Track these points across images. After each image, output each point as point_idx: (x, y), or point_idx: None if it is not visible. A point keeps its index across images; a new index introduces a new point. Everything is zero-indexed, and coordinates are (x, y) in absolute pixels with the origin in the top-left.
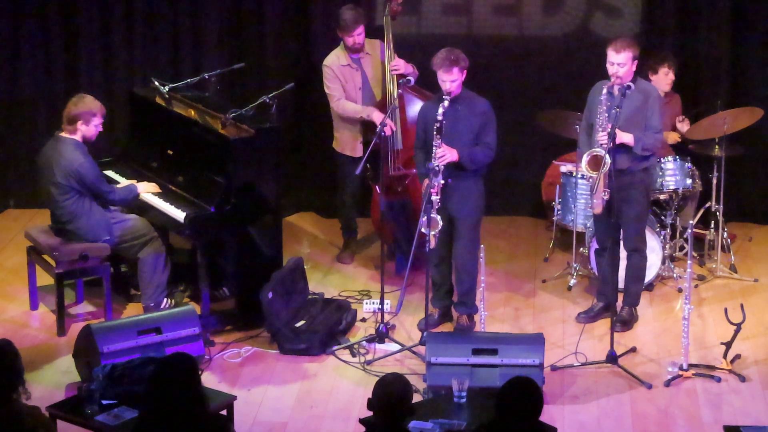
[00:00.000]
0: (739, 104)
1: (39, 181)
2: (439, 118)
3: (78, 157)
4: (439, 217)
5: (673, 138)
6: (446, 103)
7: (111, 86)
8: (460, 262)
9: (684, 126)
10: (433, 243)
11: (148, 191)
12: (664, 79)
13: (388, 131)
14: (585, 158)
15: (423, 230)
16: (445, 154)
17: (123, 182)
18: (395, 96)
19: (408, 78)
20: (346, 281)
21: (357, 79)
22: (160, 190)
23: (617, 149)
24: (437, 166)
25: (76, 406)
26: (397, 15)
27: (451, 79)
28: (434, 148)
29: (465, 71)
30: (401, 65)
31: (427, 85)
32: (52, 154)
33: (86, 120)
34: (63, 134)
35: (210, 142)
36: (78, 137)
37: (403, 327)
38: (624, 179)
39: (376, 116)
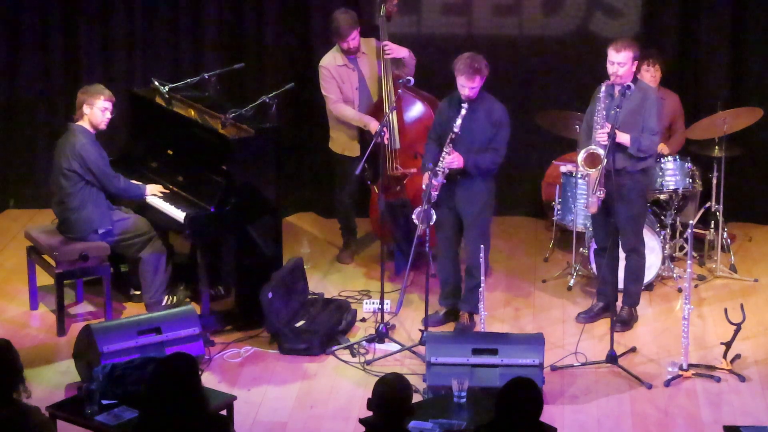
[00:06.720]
0: (739, 104)
1: (51, 174)
2: (456, 130)
3: (82, 140)
4: (433, 212)
5: (664, 149)
6: (464, 111)
7: (111, 86)
8: (469, 261)
9: (664, 150)
10: (421, 229)
11: (154, 193)
12: (646, 76)
13: (384, 140)
14: (582, 155)
15: (415, 220)
16: (453, 161)
17: None
18: (392, 97)
19: (408, 78)
20: (346, 281)
21: (354, 80)
22: (166, 191)
23: (615, 149)
24: (442, 169)
25: (76, 406)
26: (392, 16)
27: (471, 86)
28: (444, 153)
29: (485, 78)
30: (394, 48)
31: (425, 85)
32: (64, 143)
33: (90, 103)
34: (73, 123)
35: (210, 142)
36: (86, 124)
37: (403, 327)
38: (622, 179)
39: (373, 126)
